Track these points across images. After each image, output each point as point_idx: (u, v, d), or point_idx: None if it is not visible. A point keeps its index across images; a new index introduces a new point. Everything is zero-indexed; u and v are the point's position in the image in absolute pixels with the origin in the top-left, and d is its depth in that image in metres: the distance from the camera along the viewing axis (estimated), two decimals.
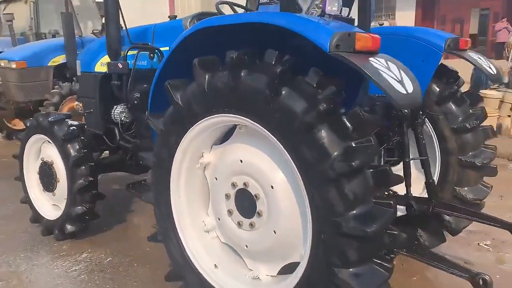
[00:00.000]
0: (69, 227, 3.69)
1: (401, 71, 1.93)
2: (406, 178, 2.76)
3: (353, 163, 1.81)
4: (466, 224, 3.14)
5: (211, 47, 2.29)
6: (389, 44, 3.04)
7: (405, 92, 1.85)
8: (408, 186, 2.76)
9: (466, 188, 3.09)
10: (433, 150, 3.18)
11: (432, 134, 3.14)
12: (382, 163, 2.83)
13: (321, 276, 1.96)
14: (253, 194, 2.27)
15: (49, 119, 3.65)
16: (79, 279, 3.22)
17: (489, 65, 2.91)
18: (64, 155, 3.57)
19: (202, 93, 2.22)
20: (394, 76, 1.87)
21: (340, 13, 2.43)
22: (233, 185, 2.35)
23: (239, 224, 2.38)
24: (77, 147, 3.56)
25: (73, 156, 3.52)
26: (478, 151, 3.04)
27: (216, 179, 2.47)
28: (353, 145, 1.86)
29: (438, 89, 3.06)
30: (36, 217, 3.96)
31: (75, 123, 3.70)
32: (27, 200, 4.02)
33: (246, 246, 2.41)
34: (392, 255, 2.24)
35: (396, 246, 2.01)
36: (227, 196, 2.40)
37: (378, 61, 1.91)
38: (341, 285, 1.88)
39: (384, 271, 1.90)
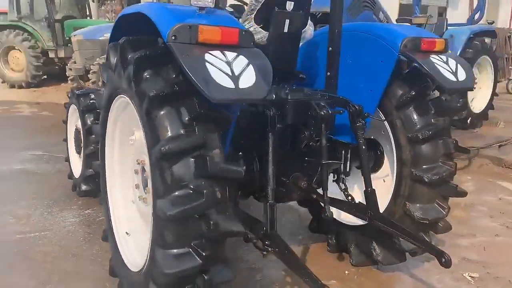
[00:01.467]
0: (83, 187, 4.30)
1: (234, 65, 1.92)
2: (323, 181, 2.63)
3: (172, 149, 1.90)
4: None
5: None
6: (350, 42, 2.90)
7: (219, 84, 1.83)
8: (324, 189, 2.62)
9: (417, 205, 2.78)
10: (392, 159, 2.93)
11: (392, 141, 2.89)
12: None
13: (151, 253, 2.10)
14: (146, 171, 2.46)
15: (77, 92, 4.29)
16: (67, 229, 3.79)
17: (453, 75, 2.56)
18: (83, 123, 4.17)
19: (112, 74, 2.48)
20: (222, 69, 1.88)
21: (218, 5, 2.43)
22: (138, 162, 2.58)
23: (142, 199, 2.60)
24: (92, 118, 4.12)
25: (87, 125, 4.10)
26: (432, 165, 2.71)
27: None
28: (181, 132, 1.94)
29: (400, 92, 2.79)
30: (70, 175, 4.68)
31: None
32: (67, 159, 4.77)
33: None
34: (264, 251, 2.25)
35: (218, 236, 2.00)
36: (136, 172, 2.63)
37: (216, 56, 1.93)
38: (158, 264, 1.99)
39: (198, 258, 1.95)
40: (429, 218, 2.72)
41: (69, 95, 4.56)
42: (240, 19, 2.76)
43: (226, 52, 1.97)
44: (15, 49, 12.86)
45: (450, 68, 2.60)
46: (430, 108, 2.76)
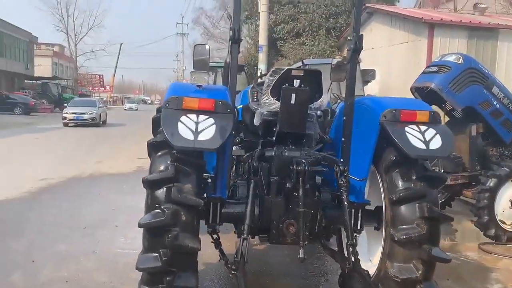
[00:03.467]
0: None
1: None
2: (299, 227, 3.03)
3: (151, 178, 2.75)
4: None
5: None
6: (355, 113, 3.35)
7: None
8: (300, 233, 2.99)
9: (394, 264, 2.94)
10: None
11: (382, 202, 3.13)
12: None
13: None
14: None
15: None
16: None
17: (423, 144, 2.80)
18: None
19: None
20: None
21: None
22: None
23: None
24: None
25: None
26: (406, 226, 2.87)
27: None
28: (161, 168, 2.78)
29: (385, 157, 3.05)
30: None
31: None
32: None
33: None
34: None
35: None
36: None
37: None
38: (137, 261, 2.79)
39: (160, 261, 2.65)
40: (400, 276, 2.86)
41: None
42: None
43: (200, 116, 2.75)
44: None
45: (424, 138, 2.85)
46: (412, 174, 2.97)
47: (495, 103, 6.05)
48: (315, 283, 4.16)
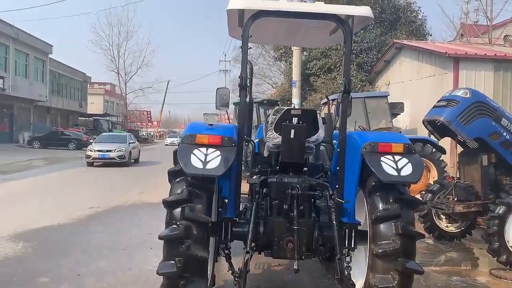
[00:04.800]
0: None
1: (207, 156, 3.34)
2: (294, 242, 3.57)
3: (169, 200, 3.40)
4: None
5: None
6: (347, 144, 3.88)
7: None
8: (295, 248, 3.55)
9: (375, 275, 3.39)
10: None
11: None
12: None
13: None
14: None
15: None
16: None
17: (395, 171, 3.31)
18: None
19: None
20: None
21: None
22: None
23: None
24: None
25: None
26: (382, 242, 3.34)
27: None
28: (178, 192, 3.43)
29: (368, 183, 3.56)
30: None
31: None
32: None
33: None
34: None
35: None
36: None
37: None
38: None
39: (175, 267, 3.26)
40: (379, 286, 3.33)
41: None
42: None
43: (209, 149, 3.41)
44: None
45: (396, 166, 3.36)
46: (390, 197, 3.46)
47: (504, 134, 6.35)
48: None
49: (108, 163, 19.35)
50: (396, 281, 3.31)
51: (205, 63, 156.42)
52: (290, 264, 5.22)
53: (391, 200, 3.45)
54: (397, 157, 3.43)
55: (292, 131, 3.96)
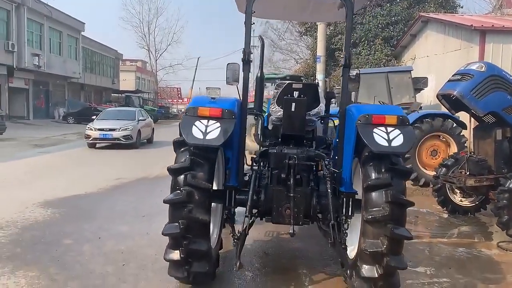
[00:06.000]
0: None
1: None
2: (291, 208, 3.79)
3: (173, 167, 3.65)
4: None
5: None
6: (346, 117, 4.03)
7: None
8: (292, 212, 3.77)
9: (366, 239, 3.57)
10: None
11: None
12: None
13: None
14: None
15: None
16: None
17: (386, 142, 3.44)
18: None
19: None
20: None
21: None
22: None
23: None
24: None
25: None
26: (374, 209, 3.50)
27: None
28: (182, 160, 3.68)
29: (363, 153, 3.70)
30: None
31: None
32: None
33: None
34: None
35: None
36: None
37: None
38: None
39: (178, 229, 3.54)
40: (368, 250, 3.51)
41: None
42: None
43: (210, 120, 3.63)
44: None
45: (388, 137, 3.49)
46: (382, 167, 3.60)
47: None
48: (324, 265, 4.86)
49: (112, 144, 16.16)
50: (385, 246, 3.48)
51: (234, 39, 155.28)
52: (298, 232, 5.46)
53: (383, 170, 3.58)
54: (390, 129, 3.55)
55: (293, 104, 4.13)
